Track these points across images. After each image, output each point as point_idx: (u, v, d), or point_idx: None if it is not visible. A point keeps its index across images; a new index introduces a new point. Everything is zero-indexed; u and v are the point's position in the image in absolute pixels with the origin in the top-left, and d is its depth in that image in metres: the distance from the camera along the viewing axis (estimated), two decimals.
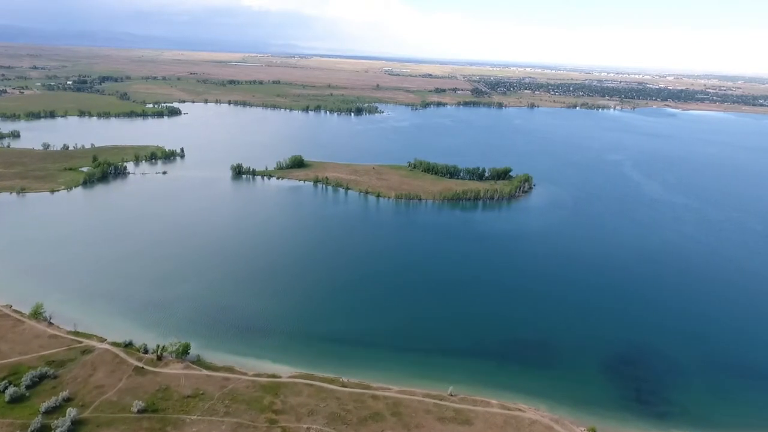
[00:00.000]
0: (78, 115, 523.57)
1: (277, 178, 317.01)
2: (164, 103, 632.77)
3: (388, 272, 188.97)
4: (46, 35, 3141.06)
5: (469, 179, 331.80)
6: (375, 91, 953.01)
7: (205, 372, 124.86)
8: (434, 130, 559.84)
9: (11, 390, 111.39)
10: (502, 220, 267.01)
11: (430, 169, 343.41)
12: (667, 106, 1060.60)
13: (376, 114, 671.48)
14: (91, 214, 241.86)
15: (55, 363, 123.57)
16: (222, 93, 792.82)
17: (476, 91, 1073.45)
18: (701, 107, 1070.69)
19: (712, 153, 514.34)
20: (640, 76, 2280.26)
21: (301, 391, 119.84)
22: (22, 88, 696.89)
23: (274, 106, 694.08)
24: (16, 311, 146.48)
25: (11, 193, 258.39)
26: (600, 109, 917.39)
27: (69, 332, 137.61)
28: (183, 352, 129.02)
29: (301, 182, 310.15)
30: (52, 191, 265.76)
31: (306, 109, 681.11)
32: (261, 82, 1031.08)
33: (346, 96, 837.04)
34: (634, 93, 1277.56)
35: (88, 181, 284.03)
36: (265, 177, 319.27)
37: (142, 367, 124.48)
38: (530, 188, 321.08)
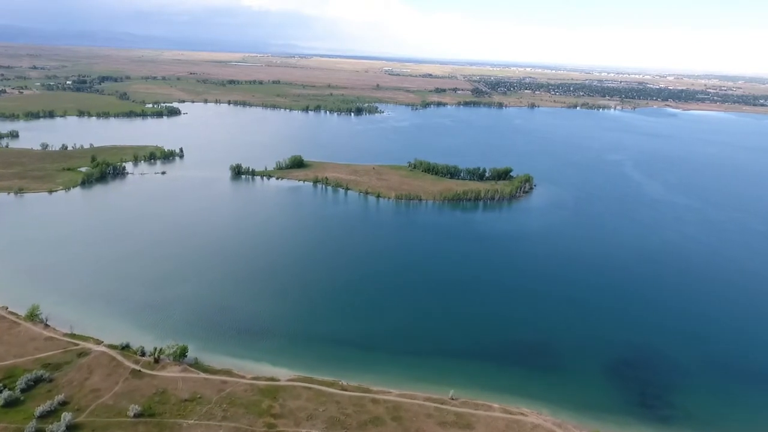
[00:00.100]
0: (77, 115, 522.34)
1: (277, 179, 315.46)
2: (164, 103, 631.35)
3: (389, 273, 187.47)
4: (46, 35, 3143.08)
5: (470, 179, 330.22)
6: (375, 91, 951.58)
7: (202, 375, 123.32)
8: (434, 130, 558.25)
9: (6, 394, 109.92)
10: (503, 221, 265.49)
11: (431, 170, 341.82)
12: (668, 106, 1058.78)
13: (376, 114, 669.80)
14: (89, 214, 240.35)
15: (51, 366, 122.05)
16: (222, 93, 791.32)
17: (476, 91, 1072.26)
18: (702, 107, 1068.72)
19: (713, 153, 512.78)
20: (641, 76, 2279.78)
21: (299, 394, 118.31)
22: (22, 88, 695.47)
23: (274, 106, 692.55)
24: (11, 313, 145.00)
25: (9, 193, 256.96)
26: (600, 109, 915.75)
27: (65, 334, 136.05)
28: (181, 355, 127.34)
29: (301, 182, 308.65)
30: (50, 191, 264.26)
31: (306, 109, 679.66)
32: (261, 82, 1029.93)
33: (346, 96, 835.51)
34: (635, 93, 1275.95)
35: (87, 182, 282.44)
36: (264, 177, 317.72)
37: (139, 370, 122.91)
38: (531, 188, 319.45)
